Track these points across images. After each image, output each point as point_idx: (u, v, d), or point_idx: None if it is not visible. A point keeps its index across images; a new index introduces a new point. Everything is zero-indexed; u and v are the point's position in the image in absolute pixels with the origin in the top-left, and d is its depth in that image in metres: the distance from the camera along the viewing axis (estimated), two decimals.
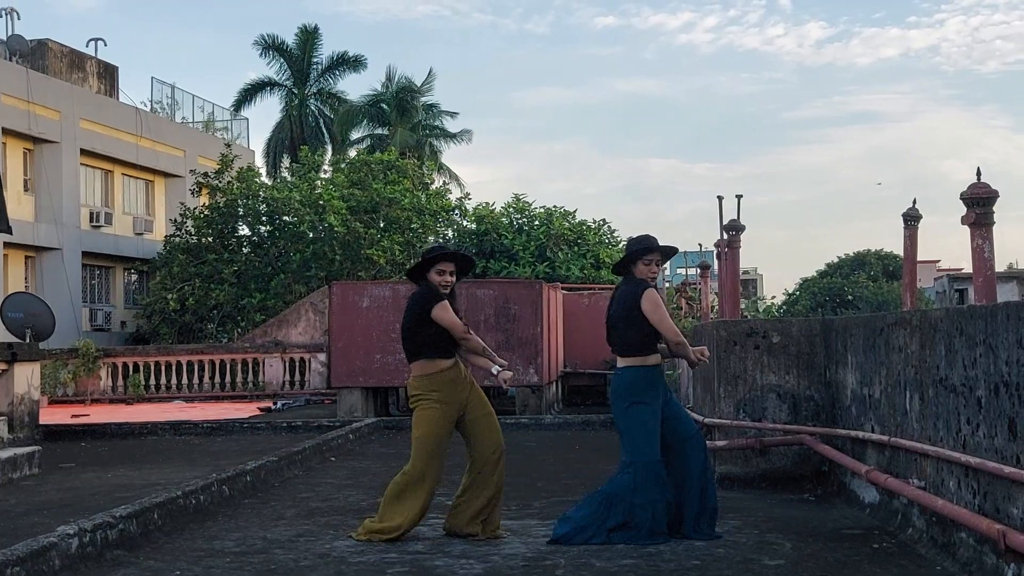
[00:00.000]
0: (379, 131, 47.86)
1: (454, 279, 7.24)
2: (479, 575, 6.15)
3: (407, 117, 47.14)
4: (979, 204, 7.13)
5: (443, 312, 7.04)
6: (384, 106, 47.35)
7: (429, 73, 48.47)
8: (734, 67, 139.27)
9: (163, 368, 25.70)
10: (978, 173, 7.29)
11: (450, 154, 49.18)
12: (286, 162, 45.54)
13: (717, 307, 17.92)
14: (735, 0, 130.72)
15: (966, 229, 7.37)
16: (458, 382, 7.19)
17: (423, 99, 48.47)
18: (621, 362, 7.19)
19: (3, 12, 32.82)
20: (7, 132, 30.03)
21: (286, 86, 47.48)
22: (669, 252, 7.43)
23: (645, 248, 7.26)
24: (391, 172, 32.79)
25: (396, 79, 47.92)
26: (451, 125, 49.89)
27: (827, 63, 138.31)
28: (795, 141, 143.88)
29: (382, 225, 30.79)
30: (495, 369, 7.24)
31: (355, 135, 48.60)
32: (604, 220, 32.00)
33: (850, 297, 62.16)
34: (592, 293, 23.04)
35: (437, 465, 7.14)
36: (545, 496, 9.08)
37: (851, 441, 8.20)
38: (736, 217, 12.46)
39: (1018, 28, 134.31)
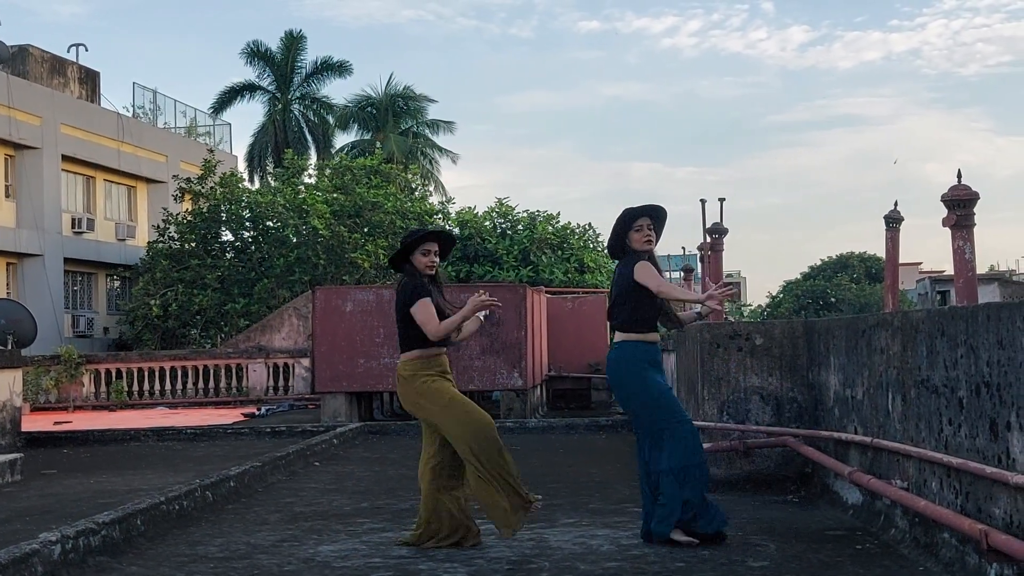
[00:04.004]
0: (366, 136, 47.98)
1: (439, 259, 7.16)
2: None
3: (398, 122, 47.35)
4: (960, 206, 7.19)
5: (420, 310, 6.92)
6: (373, 110, 47.51)
7: (436, 107, 49.17)
8: (717, 71, 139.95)
9: (146, 374, 25.62)
10: (959, 175, 7.34)
11: (439, 160, 49.56)
12: (269, 167, 45.54)
13: None
14: (718, 4, 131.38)
15: (948, 231, 7.42)
16: (446, 372, 7.12)
17: (422, 116, 48.96)
18: (620, 337, 7.03)
19: None
20: None
21: (269, 91, 47.46)
22: (655, 213, 7.14)
23: (631, 216, 7.07)
24: (375, 177, 32.79)
25: (390, 85, 48.20)
26: (440, 139, 50.34)
27: (810, 66, 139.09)
28: (778, 145, 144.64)
29: (366, 229, 30.77)
30: (481, 315, 7.12)
31: (343, 140, 48.81)
32: (589, 224, 32.10)
33: (833, 299, 62.44)
34: (576, 297, 23.07)
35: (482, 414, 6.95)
36: None
37: (834, 442, 8.22)
38: (719, 220, 12.51)
39: (999, 31, 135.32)
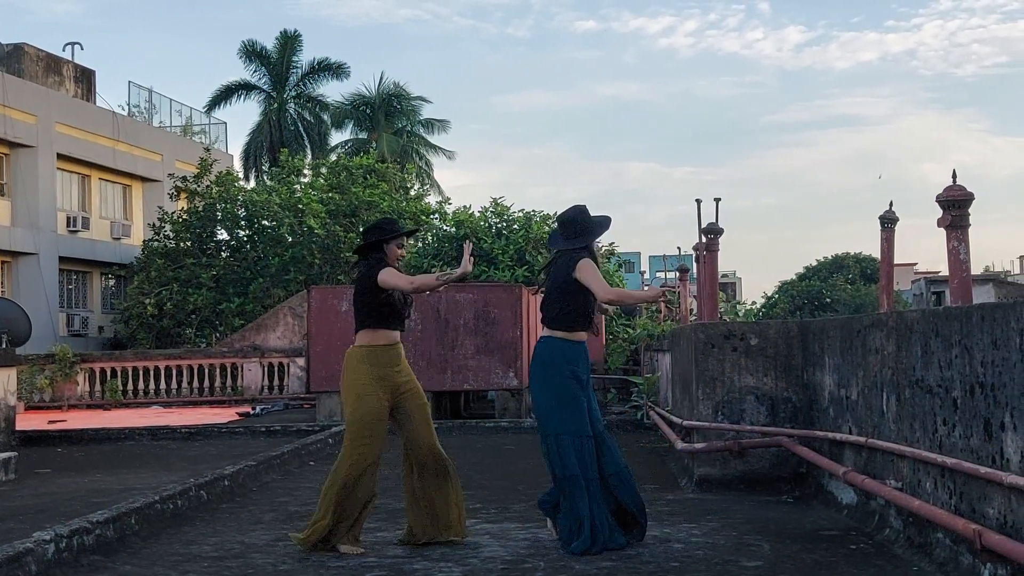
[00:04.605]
0: (362, 135, 47.96)
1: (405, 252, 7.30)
2: None
3: (391, 122, 47.28)
4: (955, 206, 7.17)
5: (389, 276, 6.92)
6: (367, 109, 47.46)
7: (429, 105, 49.41)
8: (714, 71, 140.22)
9: (141, 373, 25.59)
10: (954, 175, 7.32)
11: (434, 159, 49.61)
12: (265, 166, 45.51)
13: (696, 310, 17.97)
14: (715, 4, 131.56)
15: (943, 232, 7.41)
16: (397, 363, 7.05)
17: (416, 115, 48.99)
18: (546, 332, 6.97)
19: None
20: None
21: (264, 90, 47.41)
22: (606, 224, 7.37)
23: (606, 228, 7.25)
24: (371, 176, 32.76)
25: (383, 84, 48.18)
26: (435, 138, 50.35)
27: (806, 67, 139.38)
28: (774, 145, 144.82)
29: (361, 229, 30.74)
30: (459, 271, 7.05)
31: (338, 138, 48.78)
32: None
33: (828, 300, 62.49)
34: None
35: (378, 447, 6.91)
36: (524, 500, 9.07)
37: (828, 442, 8.23)
38: (715, 220, 12.46)
39: (995, 32, 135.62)
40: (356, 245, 7.30)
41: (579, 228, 7.14)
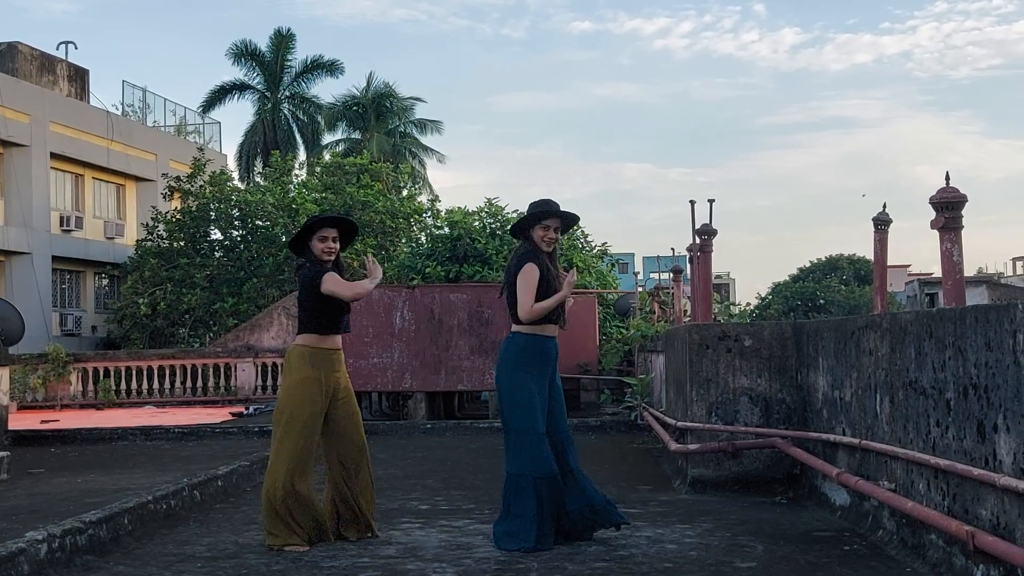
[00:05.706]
0: (355, 135, 47.95)
1: (337, 246, 7.16)
2: None
3: (383, 122, 47.24)
4: (948, 208, 7.18)
5: (332, 284, 6.97)
6: (359, 109, 47.43)
7: (419, 102, 49.42)
8: (709, 72, 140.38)
9: (134, 373, 25.56)
10: (947, 177, 7.34)
11: (427, 159, 49.60)
12: (259, 166, 45.51)
13: (689, 311, 17.99)
14: (710, 6, 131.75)
15: (936, 233, 7.42)
16: (338, 368, 7.24)
17: (408, 115, 49.02)
18: (514, 328, 7.04)
19: None
20: None
21: (259, 90, 47.37)
22: (570, 220, 7.30)
23: (544, 212, 7.10)
24: (364, 175, 32.76)
25: (374, 84, 48.13)
26: (428, 139, 50.41)
27: (801, 68, 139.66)
28: (769, 146, 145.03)
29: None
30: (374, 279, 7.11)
31: (330, 138, 48.76)
32: (578, 224, 32.07)
33: (822, 301, 62.61)
34: None
35: (314, 442, 7.22)
36: None
37: (822, 444, 8.24)
38: (708, 222, 12.46)
39: (989, 34, 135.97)
40: (288, 243, 7.35)
41: (519, 224, 7.24)
